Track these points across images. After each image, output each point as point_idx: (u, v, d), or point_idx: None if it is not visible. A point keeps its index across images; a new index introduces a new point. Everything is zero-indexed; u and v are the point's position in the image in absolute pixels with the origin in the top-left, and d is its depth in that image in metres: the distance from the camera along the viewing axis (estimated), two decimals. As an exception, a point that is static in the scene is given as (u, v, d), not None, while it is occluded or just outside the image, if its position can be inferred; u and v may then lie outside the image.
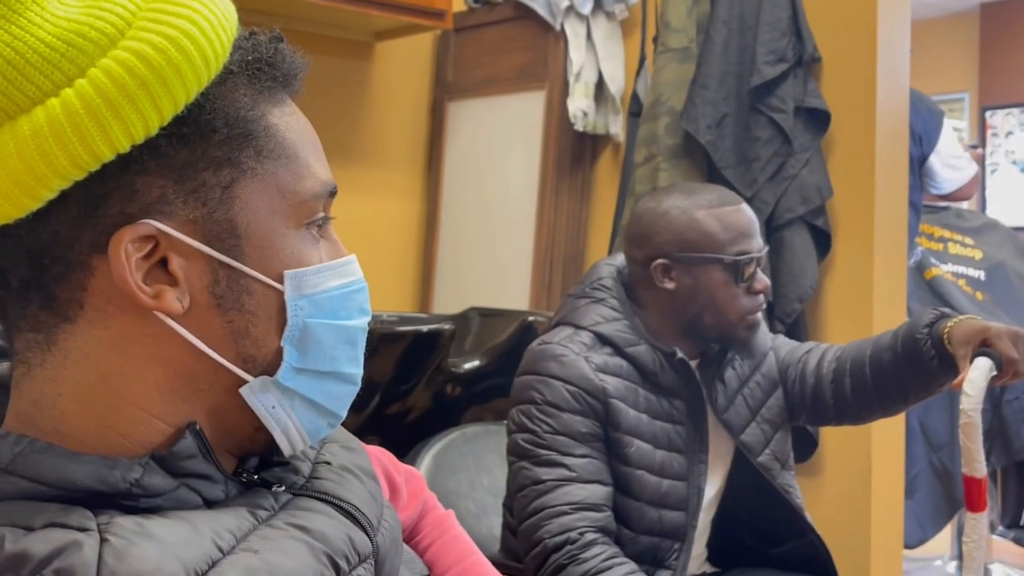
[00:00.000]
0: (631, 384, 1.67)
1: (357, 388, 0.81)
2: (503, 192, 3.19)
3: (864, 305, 2.52)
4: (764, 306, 1.74)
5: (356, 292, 0.79)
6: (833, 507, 2.55)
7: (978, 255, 3.61)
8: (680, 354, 1.69)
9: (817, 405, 1.81)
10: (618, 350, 1.68)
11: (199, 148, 0.70)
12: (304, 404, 0.77)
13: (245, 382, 0.74)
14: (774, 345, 1.88)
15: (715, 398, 1.76)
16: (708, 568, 1.87)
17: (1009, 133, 6.58)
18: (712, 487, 1.79)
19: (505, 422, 1.77)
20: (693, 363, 1.73)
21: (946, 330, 1.62)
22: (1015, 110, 6.54)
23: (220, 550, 0.67)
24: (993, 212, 6.20)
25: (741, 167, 2.54)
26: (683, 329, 1.72)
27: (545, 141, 3.08)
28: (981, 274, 3.52)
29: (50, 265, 0.68)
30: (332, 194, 0.79)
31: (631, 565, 1.57)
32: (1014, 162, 6.56)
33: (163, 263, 0.70)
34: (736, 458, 1.81)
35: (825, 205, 2.53)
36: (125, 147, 0.67)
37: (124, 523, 0.65)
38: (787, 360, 1.85)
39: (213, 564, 0.66)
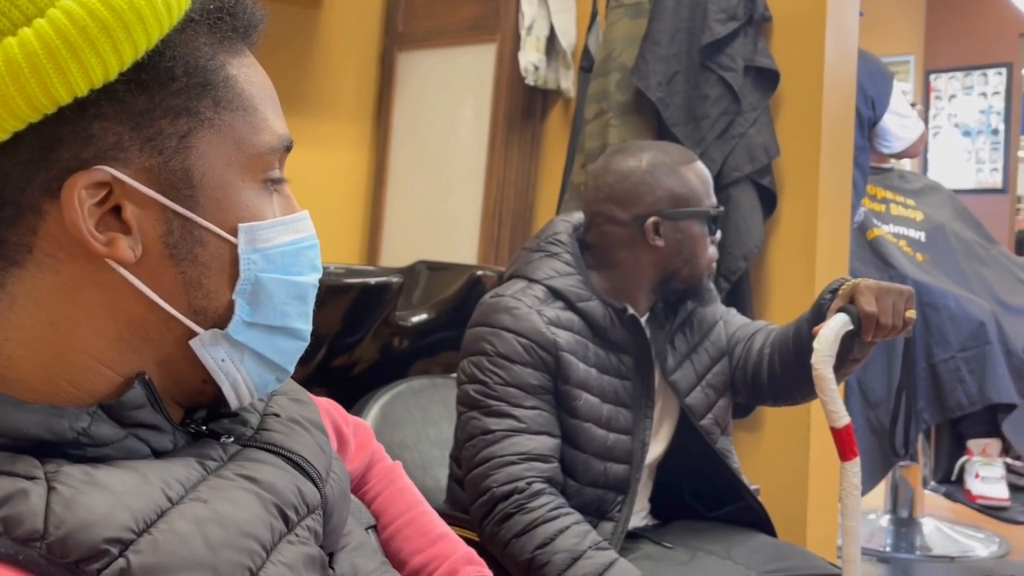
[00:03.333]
0: (582, 339, 1.68)
1: (306, 344, 0.81)
2: (452, 145, 3.18)
3: (807, 264, 2.56)
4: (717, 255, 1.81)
5: (308, 248, 0.79)
6: (772, 462, 2.60)
7: (919, 217, 3.67)
8: (631, 311, 1.71)
9: (756, 384, 1.84)
10: (570, 305, 1.69)
11: (157, 95, 0.69)
12: (253, 358, 0.77)
13: (195, 334, 0.74)
14: (725, 317, 1.91)
15: (665, 359, 1.78)
16: (650, 521, 1.91)
17: (952, 96, 6.67)
18: (659, 445, 1.82)
19: (452, 375, 1.77)
20: (643, 319, 1.75)
21: (843, 291, 1.63)
22: (959, 74, 6.62)
23: (169, 500, 0.67)
24: (935, 175, 6.29)
25: (690, 125, 2.55)
26: (655, 284, 1.76)
27: (495, 94, 3.07)
28: (921, 235, 3.59)
29: (0, 207, 0.67)
30: (288, 149, 0.78)
31: (576, 515, 1.59)
32: (956, 125, 6.65)
33: (116, 211, 0.69)
34: (680, 420, 1.84)
35: (772, 164, 2.56)
36: (83, 91, 0.66)
37: (72, 472, 0.65)
38: (737, 336, 1.88)
39: (162, 513, 0.66)
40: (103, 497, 0.64)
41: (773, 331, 1.85)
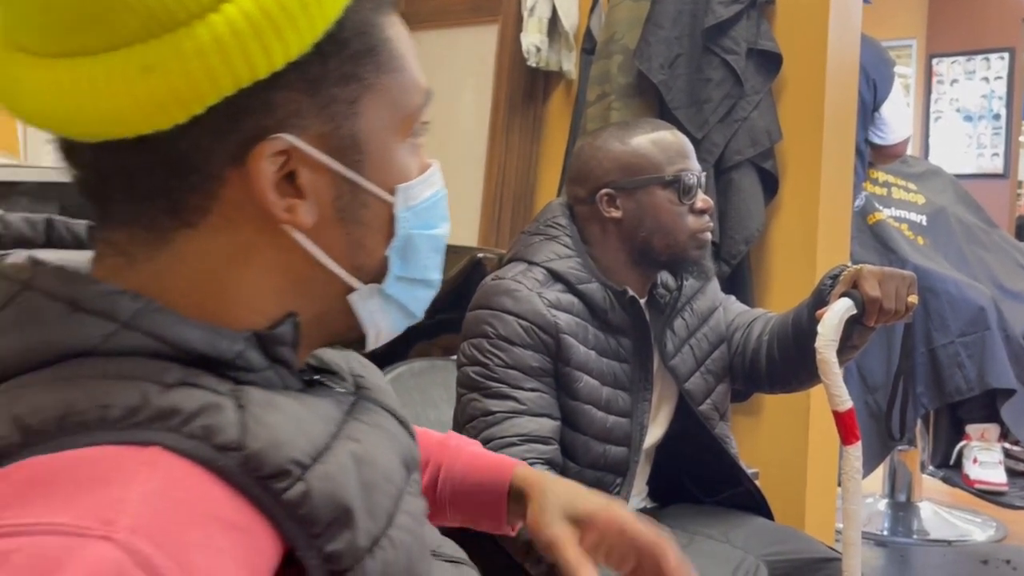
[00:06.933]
0: (581, 321, 1.68)
1: (436, 292, 0.83)
2: (454, 127, 3.17)
3: (808, 248, 2.56)
4: (712, 226, 1.75)
5: (441, 200, 0.82)
6: (771, 446, 2.60)
7: (920, 200, 3.67)
8: (631, 292, 1.71)
9: (754, 370, 1.84)
10: (570, 287, 1.69)
11: (331, 63, 0.70)
12: (398, 309, 0.79)
13: (354, 289, 0.76)
14: (725, 304, 1.90)
15: (664, 345, 1.78)
16: (648, 503, 1.91)
17: (954, 81, 6.65)
18: (658, 428, 1.82)
19: (452, 357, 1.77)
20: (642, 301, 1.75)
21: (845, 276, 1.62)
22: (960, 58, 6.60)
23: (330, 433, 0.69)
24: (936, 160, 6.27)
25: (693, 108, 2.54)
26: (635, 259, 1.74)
27: (497, 76, 3.06)
28: (923, 219, 3.58)
29: (186, 175, 0.68)
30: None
31: (576, 498, 1.60)
32: (958, 110, 6.63)
33: (289, 177, 0.71)
34: (679, 404, 1.84)
35: (774, 148, 2.55)
36: (280, 65, 0.66)
37: (253, 393, 0.66)
38: (736, 323, 1.88)
39: (328, 445, 0.67)
40: (285, 420, 0.65)
41: (772, 319, 1.85)
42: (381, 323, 0.79)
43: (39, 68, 0.64)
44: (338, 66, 0.70)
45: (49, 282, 0.66)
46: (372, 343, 0.81)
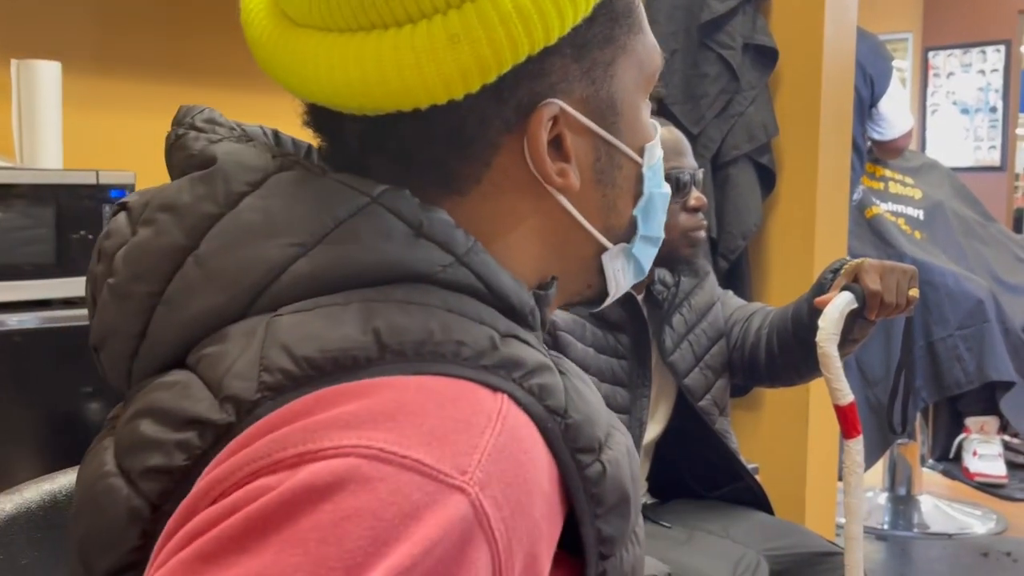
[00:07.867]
0: (579, 318, 1.68)
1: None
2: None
3: (806, 243, 2.56)
4: (705, 224, 1.76)
5: (662, 158, 0.82)
6: (771, 441, 2.60)
7: (917, 195, 3.66)
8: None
9: (753, 364, 1.84)
10: (566, 284, 1.69)
11: (595, 26, 0.70)
12: (635, 266, 0.80)
13: (606, 249, 0.76)
14: (723, 299, 1.90)
15: (663, 341, 1.78)
16: (648, 499, 1.91)
17: (951, 74, 6.64)
18: (656, 424, 1.82)
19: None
20: (639, 297, 1.75)
21: (846, 270, 1.63)
22: (957, 51, 6.59)
23: (606, 420, 0.67)
24: (933, 153, 6.27)
25: (689, 103, 2.54)
26: None
27: (493, 74, 3.05)
28: (920, 213, 3.58)
29: (465, 144, 0.68)
30: None
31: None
32: (954, 103, 6.63)
33: (555, 141, 0.71)
34: (678, 401, 1.84)
35: (770, 143, 2.55)
36: (568, 29, 0.67)
37: (566, 361, 0.66)
38: (735, 318, 1.88)
39: (609, 432, 0.65)
40: (590, 395, 0.64)
41: (771, 312, 1.85)
42: (621, 281, 0.79)
43: (331, 43, 0.65)
44: (600, 30, 0.70)
45: (396, 201, 0.65)
46: (608, 302, 0.81)
